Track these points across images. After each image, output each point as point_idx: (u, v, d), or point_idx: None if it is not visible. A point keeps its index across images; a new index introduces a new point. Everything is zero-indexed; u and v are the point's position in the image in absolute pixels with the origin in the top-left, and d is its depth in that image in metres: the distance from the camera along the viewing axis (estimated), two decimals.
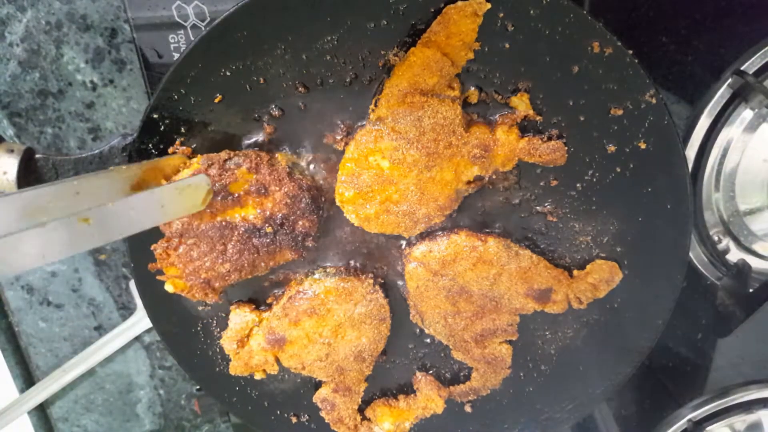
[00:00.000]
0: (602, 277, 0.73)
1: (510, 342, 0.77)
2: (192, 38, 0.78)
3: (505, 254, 0.71)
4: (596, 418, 1.03)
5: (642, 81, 0.65)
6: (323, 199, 0.71)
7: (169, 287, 0.69)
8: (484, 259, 0.71)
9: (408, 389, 0.82)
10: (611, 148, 0.68)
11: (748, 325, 0.85)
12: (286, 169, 0.67)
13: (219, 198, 0.65)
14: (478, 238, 0.71)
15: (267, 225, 0.67)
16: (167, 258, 0.67)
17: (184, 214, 0.63)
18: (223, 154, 0.66)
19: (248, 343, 0.75)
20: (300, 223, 0.68)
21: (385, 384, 0.82)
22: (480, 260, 0.71)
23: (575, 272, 0.74)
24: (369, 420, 0.81)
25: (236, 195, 0.66)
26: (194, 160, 0.66)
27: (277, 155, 0.68)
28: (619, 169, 0.69)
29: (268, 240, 0.68)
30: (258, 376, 0.78)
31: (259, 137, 0.68)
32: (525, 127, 0.68)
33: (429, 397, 0.79)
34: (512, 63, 0.65)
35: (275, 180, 0.66)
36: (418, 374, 0.81)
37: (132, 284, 1.04)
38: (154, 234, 0.71)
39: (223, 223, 0.66)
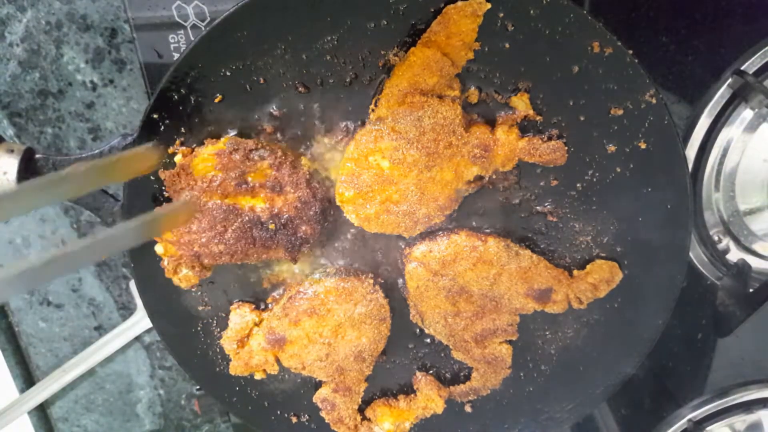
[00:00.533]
0: (602, 277, 0.73)
1: (510, 342, 0.77)
2: (192, 38, 0.78)
3: (505, 254, 0.71)
4: (596, 418, 1.03)
5: (642, 81, 0.65)
6: (332, 212, 0.71)
7: (159, 248, 0.70)
8: (484, 259, 0.71)
9: (408, 389, 0.82)
10: (611, 148, 0.68)
11: (748, 325, 0.85)
12: (306, 174, 0.68)
13: (234, 183, 0.66)
14: (478, 238, 0.71)
15: (271, 221, 0.67)
16: None
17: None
18: (251, 143, 0.67)
19: (248, 343, 0.75)
20: (303, 228, 0.68)
21: (385, 384, 0.81)
22: (480, 260, 0.71)
23: (575, 272, 0.74)
24: (369, 420, 0.81)
25: (251, 184, 0.66)
26: (221, 140, 0.67)
27: (302, 159, 0.69)
28: (619, 169, 0.69)
29: (267, 235, 0.68)
30: (258, 377, 0.78)
31: (260, 137, 0.68)
32: (525, 127, 0.68)
33: (429, 397, 0.79)
34: (512, 63, 0.65)
35: (293, 182, 0.67)
36: (418, 374, 0.81)
37: (132, 284, 1.04)
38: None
39: (230, 207, 0.67)
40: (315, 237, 0.70)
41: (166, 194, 0.69)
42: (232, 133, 0.68)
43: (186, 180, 0.67)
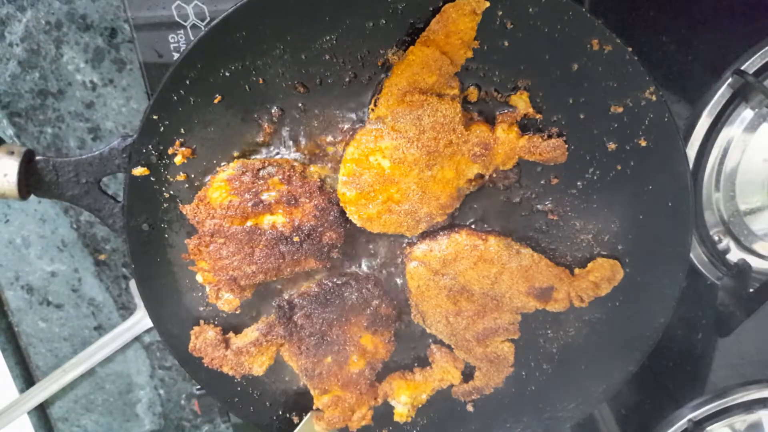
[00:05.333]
0: (604, 275, 0.73)
1: (512, 341, 0.77)
2: (192, 38, 0.78)
3: (506, 253, 0.71)
4: (596, 418, 1.03)
5: (642, 78, 0.65)
6: None
7: (199, 278, 0.72)
8: (485, 257, 0.71)
9: (423, 362, 0.81)
10: (612, 146, 0.68)
11: (748, 325, 0.85)
12: (317, 182, 0.68)
13: (250, 204, 0.67)
14: (478, 236, 0.71)
15: (294, 234, 0.69)
16: (199, 253, 0.70)
17: None
18: (258, 163, 0.68)
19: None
20: (327, 234, 0.69)
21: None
22: (481, 259, 0.71)
23: (576, 271, 0.74)
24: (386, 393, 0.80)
25: (267, 202, 0.68)
26: (231, 165, 0.68)
27: (311, 167, 0.69)
28: (619, 167, 0.69)
29: (294, 248, 0.69)
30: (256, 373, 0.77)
31: (259, 137, 0.68)
32: (525, 126, 0.68)
33: (445, 369, 0.79)
34: (511, 61, 0.65)
35: (306, 192, 0.68)
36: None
37: (132, 284, 1.04)
38: (155, 236, 0.71)
39: (253, 228, 0.68)
40: (341, 240, 0.71)
41: (166, 195, 0.69)
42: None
43: (206, 210, 0.68)
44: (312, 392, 0.78)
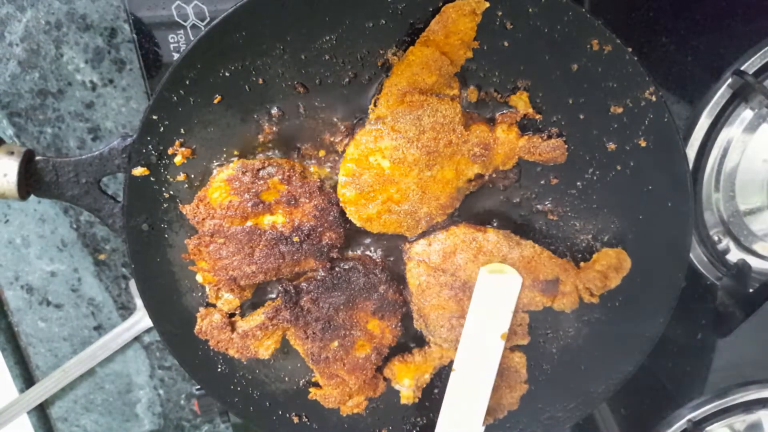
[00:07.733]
0: (610, 263, 0.71)
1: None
2: (192, 38, 0.78)
3: (505, 243, 0.70)
4: (596, 418, 1.03)
5: (642, 78, 0.65)
6: None
7: (199, 278, 0.72)
8: (484, 249, 0.70)
9: (420, 340, 0.80)
10: (611, 146, 0.68)
11: (748, 325, 0.86)
12: (317, 182, 0.68)
13: (250, 204, 0.68)
14: (477, 229, 0.71)
15: (294, 234, 0.69)
16: (199, 253, 0.70)
17: None
18: (258, 163, 0.68)
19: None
20: (327, 234, 0.69)
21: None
22: (480, 251, 0.70)
23: (581, 264, 0.73)
24: (388, 380, 0.80)
25: (267, 203, 0.68)
26: (231, 165, 0.68)
27: (311, 167, 0.69)
28: (619, 167, 0.69)
29: (294, 248, 0.69)
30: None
31: (259, 138, 0.68)
32: (525, 126, 0.68)
33: (443, 346, 0.79)
34: (511, 61, 0.65)
35: (306, 192, 0.68)
36: None
37: (132, 284, 1.04)
38: (154, 236, 0.71)
39: (252, 228, 0.68)
40: (341, 240, 0.71)
41: (166, 195, 0.69)
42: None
43: (206, 210, 0.68)
44: (318, 377, 0.78)
